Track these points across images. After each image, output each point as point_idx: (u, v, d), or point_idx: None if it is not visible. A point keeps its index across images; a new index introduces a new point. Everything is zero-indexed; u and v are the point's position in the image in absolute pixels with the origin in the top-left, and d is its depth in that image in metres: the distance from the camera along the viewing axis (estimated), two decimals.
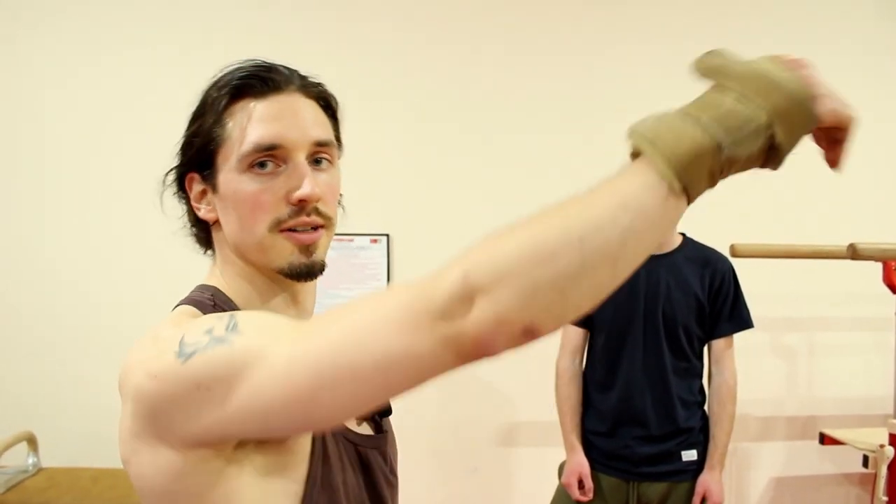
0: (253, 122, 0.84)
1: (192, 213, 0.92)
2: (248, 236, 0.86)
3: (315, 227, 0.86)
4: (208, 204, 0.89)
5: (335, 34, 2.88)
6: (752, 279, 2.46)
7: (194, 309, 0.85)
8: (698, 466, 2.24)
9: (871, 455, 2.47)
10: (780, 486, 3.16)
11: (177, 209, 0.93)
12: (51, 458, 2.52)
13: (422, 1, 2.95)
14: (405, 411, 1.03)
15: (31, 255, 2.74)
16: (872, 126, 3.14)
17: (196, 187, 0.89)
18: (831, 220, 3.06)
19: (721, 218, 2.85)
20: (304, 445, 0.82)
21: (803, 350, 3.14)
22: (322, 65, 0.97)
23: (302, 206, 0.84)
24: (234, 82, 0.85)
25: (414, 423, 2.49)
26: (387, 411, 1.01)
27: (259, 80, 0.85)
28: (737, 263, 2.33)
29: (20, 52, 2.74)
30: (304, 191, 0.83)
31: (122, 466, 0.81)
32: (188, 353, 0.71)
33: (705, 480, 2.21)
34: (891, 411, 2.81)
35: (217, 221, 0.90)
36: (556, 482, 2.36)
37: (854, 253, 2.14)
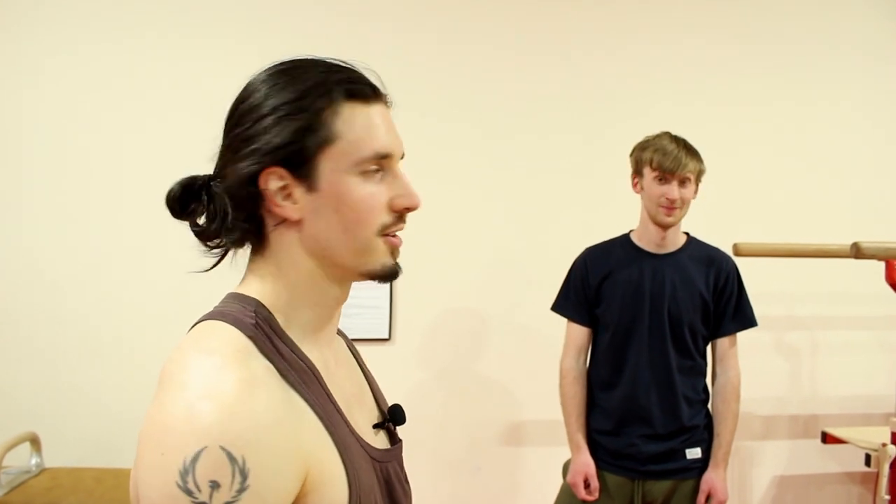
0: (373, 129, 0.86)
1: (244, 209, 0.85)
2: (350, 238, 0.85)
3: None
4: (295, 202, 0.84)
5: (342, 33, 2.87)
6: (755, 278, 2.46)
7: (227, 326, 0.80)
8: (703, 464, 2.25)
9: (873, 454, 2.47)
10: (782, 484, 3.16)
11: (168, 218, 0.86)
12: (53, 458, 2.53)
13: (431, 2, 2.95)
14: (408, 410, 1.03)
15: (34, 260, 2.73)
16: (875, 126, 3.16)
17: (275, 183, 0.83)
18: (834, 220, 3.07)
19: (724, 217, 2.86)
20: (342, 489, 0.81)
21: (806, 349, 3.15)
22: None
23: (402, 213, 0.89)
24: (346, 85, 0.86)
25: (418, 422, 2.50)
26: (401, 421, 1.01)
27: (370, 88, 0.88)
28: (740, 262, 2.33)
29: (20, 53, 2.75)
30: (416, 202, 0.88)
31: (124, 467, 0.80)
32: None
33: (710, 478, 2.22)
34: (893, 410, 2.81)
35: (297, 221, 0.85)
36: (560, 481, 2.36)
37: (857, 252, 2.14)
